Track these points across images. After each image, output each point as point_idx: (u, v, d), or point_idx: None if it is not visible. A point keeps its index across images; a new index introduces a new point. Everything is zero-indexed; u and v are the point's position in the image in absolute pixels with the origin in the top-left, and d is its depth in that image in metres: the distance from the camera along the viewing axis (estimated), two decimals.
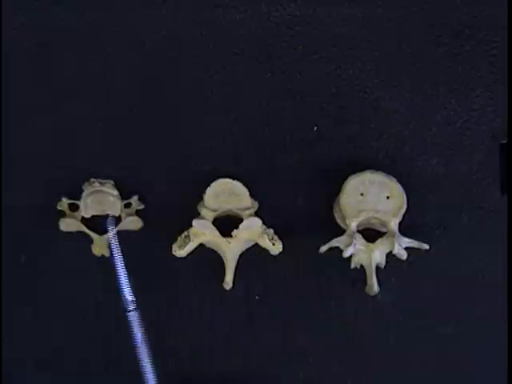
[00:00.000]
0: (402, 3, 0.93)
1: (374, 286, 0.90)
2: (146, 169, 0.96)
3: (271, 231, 0.91)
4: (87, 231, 0.93)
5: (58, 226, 0.93)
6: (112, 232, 0.92)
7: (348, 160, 0.95)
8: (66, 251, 0.96)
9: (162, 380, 0.95)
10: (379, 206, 0.90)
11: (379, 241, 0.90)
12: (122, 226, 0.94)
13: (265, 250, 0.91)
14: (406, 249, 0.90)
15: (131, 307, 0.92)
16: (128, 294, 0.92)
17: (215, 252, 0.92)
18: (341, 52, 0.94)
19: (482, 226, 0.95)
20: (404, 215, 0.90)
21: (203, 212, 0.91)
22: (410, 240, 0.90)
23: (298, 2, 0.94)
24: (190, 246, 0.90)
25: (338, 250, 0.90)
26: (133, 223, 0.94)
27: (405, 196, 0.90)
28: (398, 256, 0.89)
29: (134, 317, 0.92)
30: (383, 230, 0.92)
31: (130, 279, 0.92)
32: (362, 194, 0.90)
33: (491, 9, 0.93)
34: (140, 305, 0.94)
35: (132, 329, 0.91)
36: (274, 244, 0.91)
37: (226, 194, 0.92)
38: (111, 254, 0.93)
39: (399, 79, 0.94)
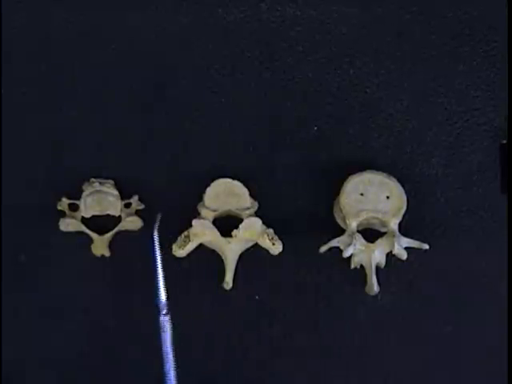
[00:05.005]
0: (401, 3, 0.93)
1: (373, 285, 0.90)
2: (145, 169, 0.96)
3: (271, 231, 0.91)
4: (87, 231, 0.93)
5: (57, 225, 0.93)
6: None
7: (348, 160, 0.95)
8: (65, 251, 0.96)
9: (161, 380, 0.95)
10: (379, 206, 0.90)
11: (379, 241, 0.90)
12: (122, 226, 0.94)
13: (265, 250, 0.91)
14: (406, 249, 0.90)
15: None
16: None
17: (215, 252, 0.92)
18: (341, 52, 0.94)
19: (482, 226, 0.95)
20: (404, 215, 0.91)
21: (203, 212, 0.91)
22: (410, 240, 0.90)
23: (298, 1, 0.94)
24: (190, 246, 0.90)
25: (338, 250, 0.90)
26: (133, 223, 0.94)
27: (405, 196, 0.90)
28: (398, 256, 0.89)
29: None
30: (383, 229, 0.92)
31: None
32: (361, 194, 0.90)
33: (491, 9, 0.93)
34: (140, 304, 0.94)
35: None
36: (273, 244, 0.91)
37: (225, 193, 0.92)
38: None
39: (399, 79, 0.94)
